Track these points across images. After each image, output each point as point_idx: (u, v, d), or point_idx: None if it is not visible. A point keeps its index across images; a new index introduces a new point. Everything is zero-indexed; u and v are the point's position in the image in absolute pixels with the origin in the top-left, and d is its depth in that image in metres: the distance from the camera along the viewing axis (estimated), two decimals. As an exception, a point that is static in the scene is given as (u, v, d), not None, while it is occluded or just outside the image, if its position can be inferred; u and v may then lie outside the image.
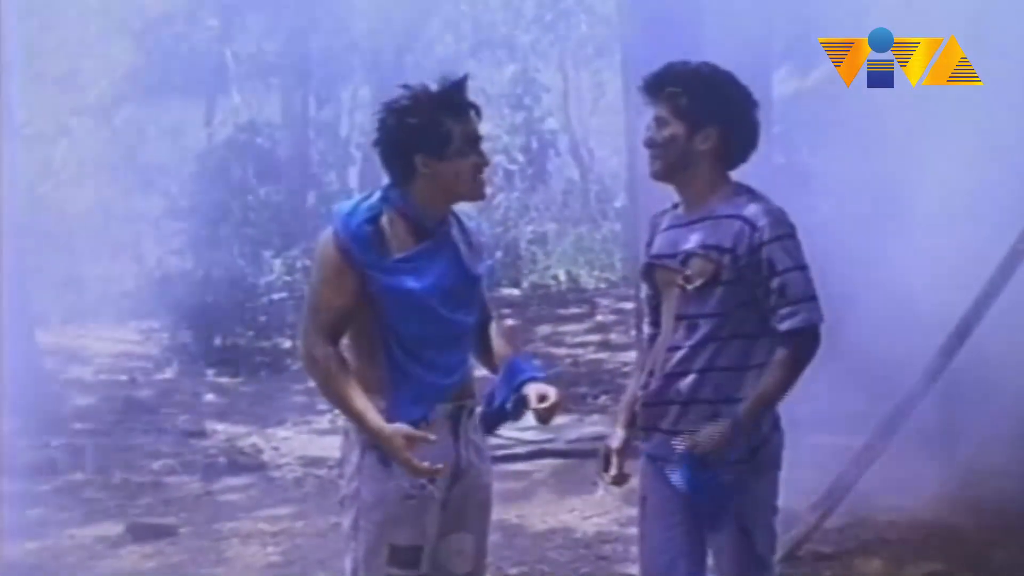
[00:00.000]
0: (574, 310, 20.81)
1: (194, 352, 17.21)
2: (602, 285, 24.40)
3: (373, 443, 4.25)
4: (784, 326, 4.24)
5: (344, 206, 4.41)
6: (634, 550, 7.24)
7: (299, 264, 17.83)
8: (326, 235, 4.34)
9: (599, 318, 19.94)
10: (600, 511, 8.60)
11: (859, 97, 6.88)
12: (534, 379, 4.42)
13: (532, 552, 7.90)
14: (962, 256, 7.77)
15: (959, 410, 8.47)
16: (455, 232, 4.45)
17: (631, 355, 14.20)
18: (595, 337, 18.45)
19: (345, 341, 4.37)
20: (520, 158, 26.01)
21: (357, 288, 4.25)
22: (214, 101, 26.44)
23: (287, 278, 17.69)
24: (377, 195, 4.38)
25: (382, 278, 4.26)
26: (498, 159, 24.82)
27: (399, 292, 4.26)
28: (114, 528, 8.91)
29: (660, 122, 4.42)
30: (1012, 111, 7.69)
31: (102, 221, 26.10)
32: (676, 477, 4.38)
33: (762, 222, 4.27)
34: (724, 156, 4.42)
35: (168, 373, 16.69)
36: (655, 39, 9.22)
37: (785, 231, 4.28)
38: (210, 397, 14.77)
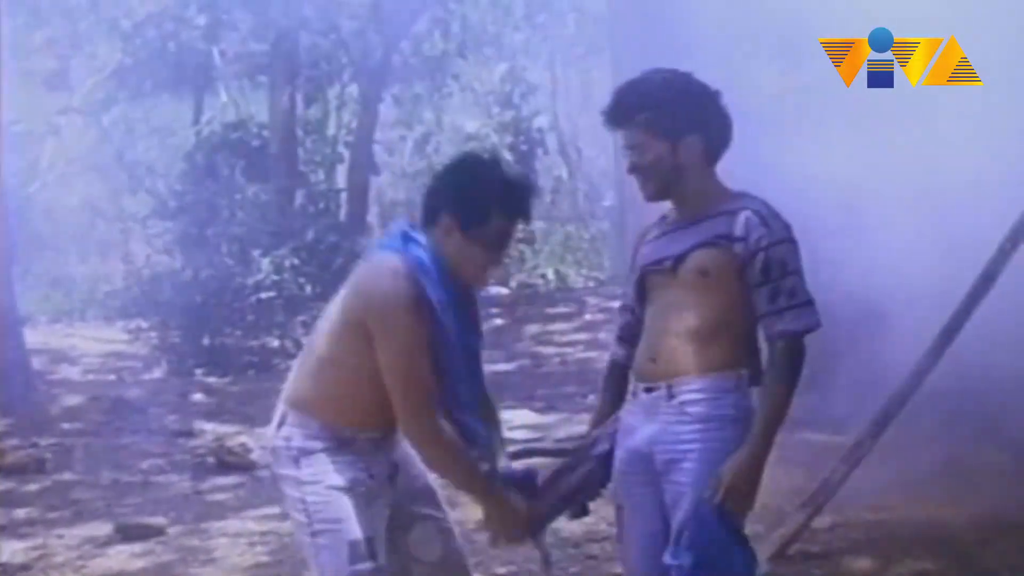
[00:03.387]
0: (562, 309, 20.83)
1: (182, 352, 17.21)
2: (590, 284, 24.48)
3: (310, 449, 4.31)
4: (786, 327, 4.21)
5: (391, 240, 4.36)
6: (623, 549, 7.28)
7: (287, 263, 17.82)
8: (402, 276, 4.19)
9: (587, 317, 19.96)
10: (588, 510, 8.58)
11: (850, 95, 6.89)
12: None
13: (520, 551, 7.87)
14: (952, 254, 7.77)
15: (948, 409, 8.49)
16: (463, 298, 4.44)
17: (620, 354, 14.18)
18: (583, 336, 18.47)
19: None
20: (508, 157, 25.99)
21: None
22: (202, 100, 26.44)
23: (275, 277, 17.67)
24: (400, 239, 4.34)
25: (442, 320, 4.23)
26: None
27: (447, 340, 4.26)
28: (103, 528, 8.89)
29: (639, 147, 4.36)
30: (1004, 110, 7.70)
31: (90, 220, 26.15)
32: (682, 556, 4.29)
33: (774, 222, 4.25)
34: (710, 158, 4.38)
35: (156, 373, 16.70)
36: (645, 38, 9.22)
37: (791, 235, 4.27)
38: (198, 397, 14.74)
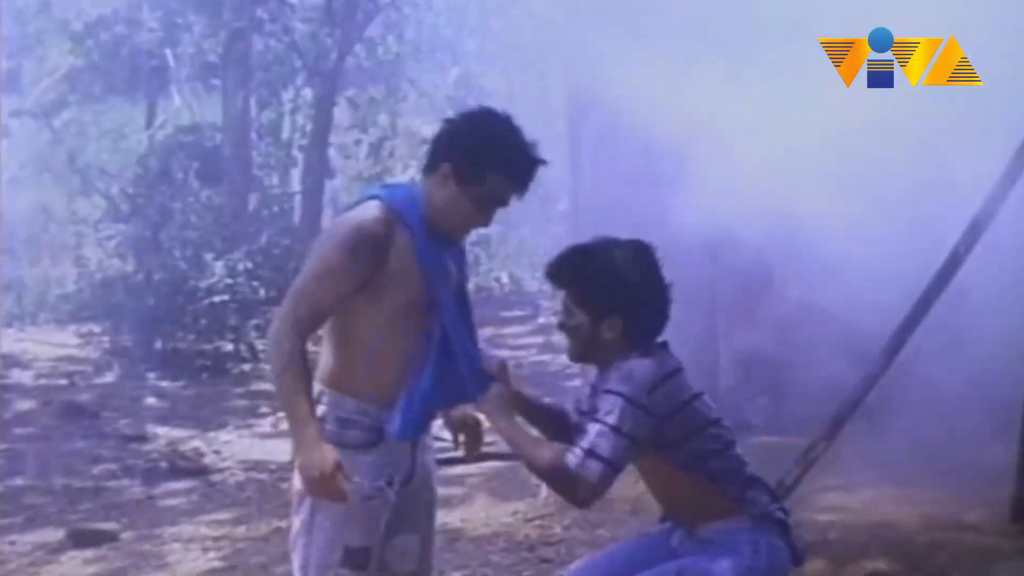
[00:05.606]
0: (517, 312, 20.84)
1: (135, 356, 17.09)
2: (545, 287, 24.38)
3: (343, 442, 4.22)
4: (569, 458, 4.18)
5: (382, 189, 4.39)
6: (577, 552, 7.34)
7: (240, 267, 17.75)
8: (365, 209, 4.25)
9: (542, 320, 19.95)
10: (542, 514, 8.59)
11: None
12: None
13: (474, 556, 7.89)
14: (905, 262, 7.81)
15: (900, 412, 8.53)
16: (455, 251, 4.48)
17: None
18: (538, 339, 18.49)
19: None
20: (464, 160, 25.93)
21: (363, 279, 4.18)
22: (155, 103, 26.30)
23: (228, 281, 17.57)
24: (400, 191, 4.36)
25: (430, 265, 4.26)
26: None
27: (426, 274, 4.26)
28: (55, 534, 8.85)
29: (567, 308, 4.44)
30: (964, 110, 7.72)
31: (42, 223, 25.92)
32: None
33: (615, 374, 4.28)
34: (633, 340, 4.38)
35: (109, 377, 16.57)
36: (599, 44, 9.23)
37: (626, 392, 4.21)
38: (151, 401, 14.67)
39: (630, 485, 4.31)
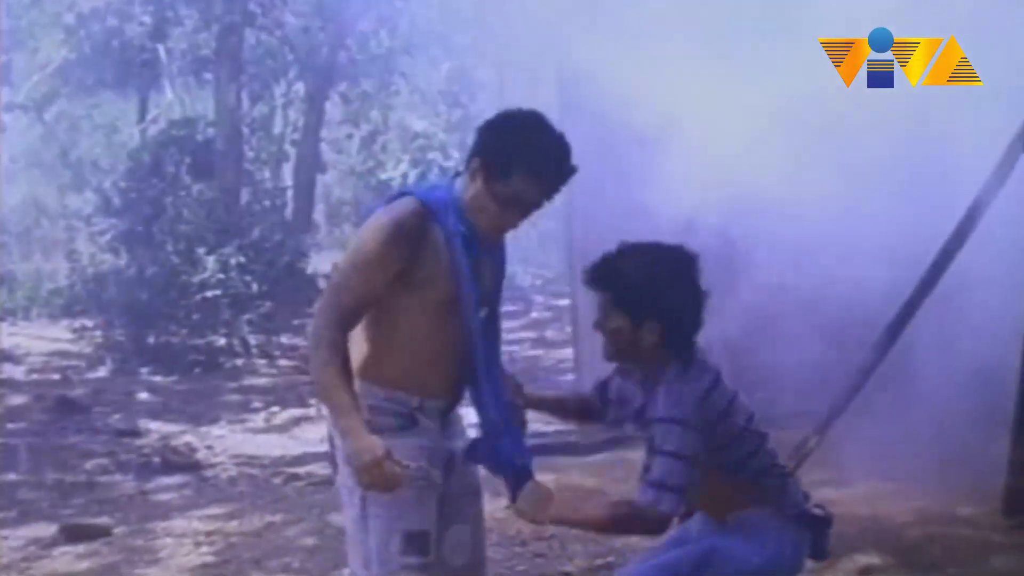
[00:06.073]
0: (510, 307, 20.80)
1: (127, 350, 17.10)
2: (537, 282, 24.51)
3: (376, 427, 4.16)
4: (638, 496, 4.22)
5: (416, 187, 4.36)
6: (570, 548, 7.33)
7: (233, 261, 17.75)
8: (400, 204, 4.24)
9: (534, 315, 20.00)
10: (536, 509, 8.57)
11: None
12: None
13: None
14: (895, 256, 7.81)
15: (892, 406, 8.53)
16: (495, 252, 4.47)
17: (567, 352, 14.22)
18: (530, 334, 18.52)
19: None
20: (456, 155, 25.99)
21: (400, 272, 4.17)
22: (147, 97, 26.30)
23: (221, 275, 17.58)
24: (434, 189, 4.37)
25: (463, 263, 4.23)
26: (434, 156, 24.85)
27: (459, 274, 4.24)
28: (47, 529, 8.82)
29: (603, 310, 4.38)
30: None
31: (34, 218, 25.94)
32: None
33: (663, 399, 4.25)
34: (671, 344, 4.34)
35: (101, 372, 16.57)
36: (590, 40, 9.23)
37: (676, 415, 4.21)
38: (144, 396, 14.66)
39: (621, 480, 4.29)
